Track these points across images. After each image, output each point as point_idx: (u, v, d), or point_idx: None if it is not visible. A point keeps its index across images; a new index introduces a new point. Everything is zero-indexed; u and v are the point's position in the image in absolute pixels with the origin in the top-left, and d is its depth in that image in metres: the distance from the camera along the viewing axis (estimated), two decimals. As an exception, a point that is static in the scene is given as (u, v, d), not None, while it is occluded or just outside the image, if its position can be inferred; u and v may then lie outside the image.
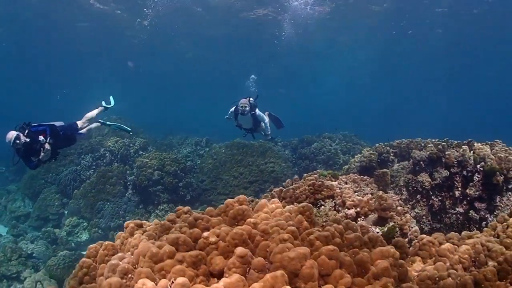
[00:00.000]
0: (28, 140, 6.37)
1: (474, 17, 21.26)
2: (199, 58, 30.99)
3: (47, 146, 6.50)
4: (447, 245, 2.74)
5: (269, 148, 12.92)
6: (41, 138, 6.47)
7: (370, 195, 4.34)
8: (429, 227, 5.54)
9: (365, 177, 5.32)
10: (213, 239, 2.59)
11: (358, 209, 3.91)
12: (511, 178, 5.42)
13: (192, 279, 2.34)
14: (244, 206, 3.09)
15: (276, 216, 2.95)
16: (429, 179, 5.68)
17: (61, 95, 37.78)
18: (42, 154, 6.46)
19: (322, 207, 4.12)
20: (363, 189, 4.52)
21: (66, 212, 12.41)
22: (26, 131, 6.42)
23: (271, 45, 26.91)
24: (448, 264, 2.64)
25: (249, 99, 8.13)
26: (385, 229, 3.65)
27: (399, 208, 3.90)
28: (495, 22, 21.45)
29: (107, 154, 13.45)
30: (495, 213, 5.43)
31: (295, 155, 14.60)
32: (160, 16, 21.81)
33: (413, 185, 5.75)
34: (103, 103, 8.46)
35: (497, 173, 5.28)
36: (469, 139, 5.92)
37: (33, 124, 6.67)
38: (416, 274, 2.60)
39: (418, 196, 5.71)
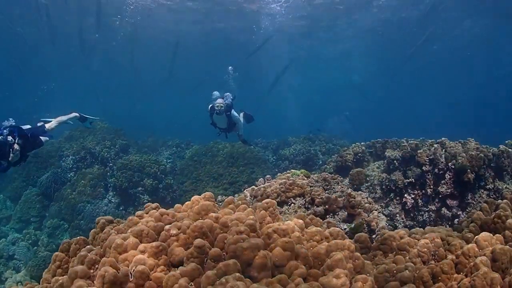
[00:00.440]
0: None
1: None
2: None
3: (16, 146, 6.32)
4: (407, 239, 2.76)
5: (249, 149, 12.92)
6: (9, 138, 6.29)
7: (340, 193, 4.35)
8: (402, 224, 5.57)
9: (336, 175, 5.34)
10: (174, 231, 2.68)
11: (327, 206, 3.91)
12: (483, 175, 5.50)
13: (152, 268, 2.46)
14: (208, 202, 3.08)
15: (239, 211, 2.94)
16: (402, 178, 5.74)
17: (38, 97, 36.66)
18: (11, 155, 6.28)
19: (292, 204, 4.12)
20: (333, 188, 4.53)
21: (47, 214, 12.23)
22: None
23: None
24: (407, 257, 2.65)
25: (225, 101, 8.15)
26: (353, 225, 3.66)
27: (366, 205, 3.92)
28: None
29: (88, 157, 13.26)
30: (467, 210, 5.50)
31: (275, 156, 14.63)
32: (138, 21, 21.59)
33: (387, 183, 5.79)
34: (81, 114, 8.35)
35: (468, 170, 5.35)
36: (443, 138, 6.01)
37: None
38: (375, 267, 2.60)
39: (392, 195, 5.74)
